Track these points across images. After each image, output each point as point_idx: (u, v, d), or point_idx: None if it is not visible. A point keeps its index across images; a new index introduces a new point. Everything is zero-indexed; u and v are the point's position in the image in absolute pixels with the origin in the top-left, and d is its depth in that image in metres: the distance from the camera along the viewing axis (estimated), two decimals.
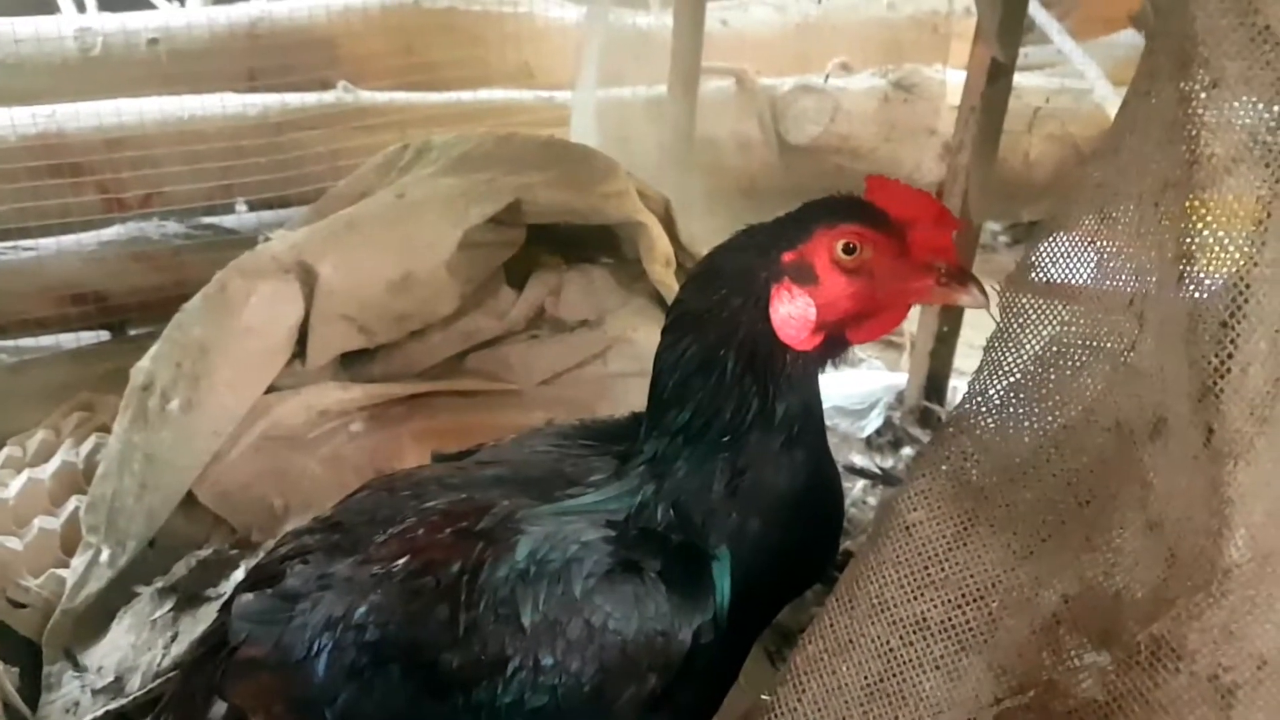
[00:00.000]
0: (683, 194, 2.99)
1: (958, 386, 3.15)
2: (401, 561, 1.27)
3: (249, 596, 1.37)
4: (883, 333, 1.34)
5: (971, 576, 1.13)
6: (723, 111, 3.94)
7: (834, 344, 1.31)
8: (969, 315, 2.93)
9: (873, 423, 3.14)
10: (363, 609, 1.26)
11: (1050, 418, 1.15)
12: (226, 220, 3.32)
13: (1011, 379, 1.19)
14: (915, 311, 2.84)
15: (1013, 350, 1.20)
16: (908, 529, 1.16)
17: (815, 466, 1.34)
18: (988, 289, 1.24)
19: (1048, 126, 4.36)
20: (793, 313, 1.27)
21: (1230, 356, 0.92)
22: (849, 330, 1.30)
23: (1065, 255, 1.15)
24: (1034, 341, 1.18)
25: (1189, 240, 0.93)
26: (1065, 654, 1.07)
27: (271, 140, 3.32)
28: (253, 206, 3.37)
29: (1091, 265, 1.12)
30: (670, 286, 2.37)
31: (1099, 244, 1.09)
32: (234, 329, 2.15)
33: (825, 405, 1.36)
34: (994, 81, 2.72)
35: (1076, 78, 4.91)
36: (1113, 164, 1.07)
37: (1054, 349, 1.16)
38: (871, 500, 2.86)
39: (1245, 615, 0.92)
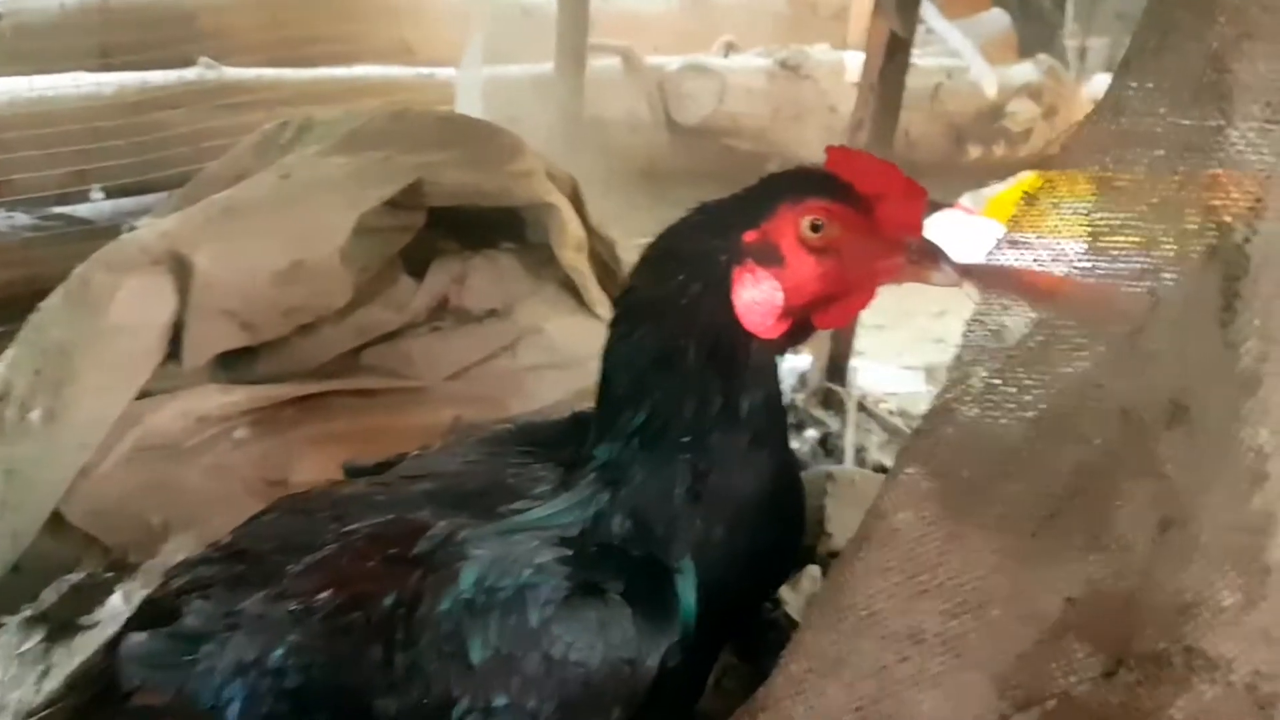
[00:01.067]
0: (574, 175, 2.89)
1: (857, 367, 3.15)
2: (324, 595, 1.11)
3: (140, 636, 1.19)
4: (850, 316, 1.24)
5: (966, 581, 1.04)
6: (611, 91, 3.88)
7: (798, 330, 1.20)
8: None
9: None
10: (280, 651, 1.10)
11: (1041, 407, 1.06)
12: (81, 209, 3.09)
13: (995, 365, 1.10)
14: None
15: (995, 334, 1.11)
16: (894, 533, 1.07)
17: (778, 464, 1.23)
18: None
19: (935, 105, 4.42)
20: (758, 298, 1.15)
21: (1266, 340, 0.84)
22: (816, 314, 1.19)
23: (1056, 227, 1.06)
24: (1018, 323, 1.09)
25: (1218, 212, 0.85)
26: (1076, 664, 0.98)
27: (128, 121, 3.14)
28: (109, 194, 3.13)
29: (1086, 243, 1.04)
30: (583, 272, 2.24)
31: (1099, 215, 1.00)
32: (99, 329, 1.93)
33: None
34: (892, 56, 2.70)
35: (951, 56, 4.99)
36: (1112, 129, 0.99)
37: (1043, 332, 1.07)
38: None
39: None
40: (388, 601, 1.09)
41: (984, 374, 1.10)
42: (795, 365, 3.20)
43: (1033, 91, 4.90)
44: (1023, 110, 4.76)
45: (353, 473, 1.38)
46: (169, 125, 3.15)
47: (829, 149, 1.18)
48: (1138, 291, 0.97)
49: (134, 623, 1.25)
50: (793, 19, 4.40)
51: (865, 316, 3.15)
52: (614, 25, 3.97)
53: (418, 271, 2.23)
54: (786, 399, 3.11)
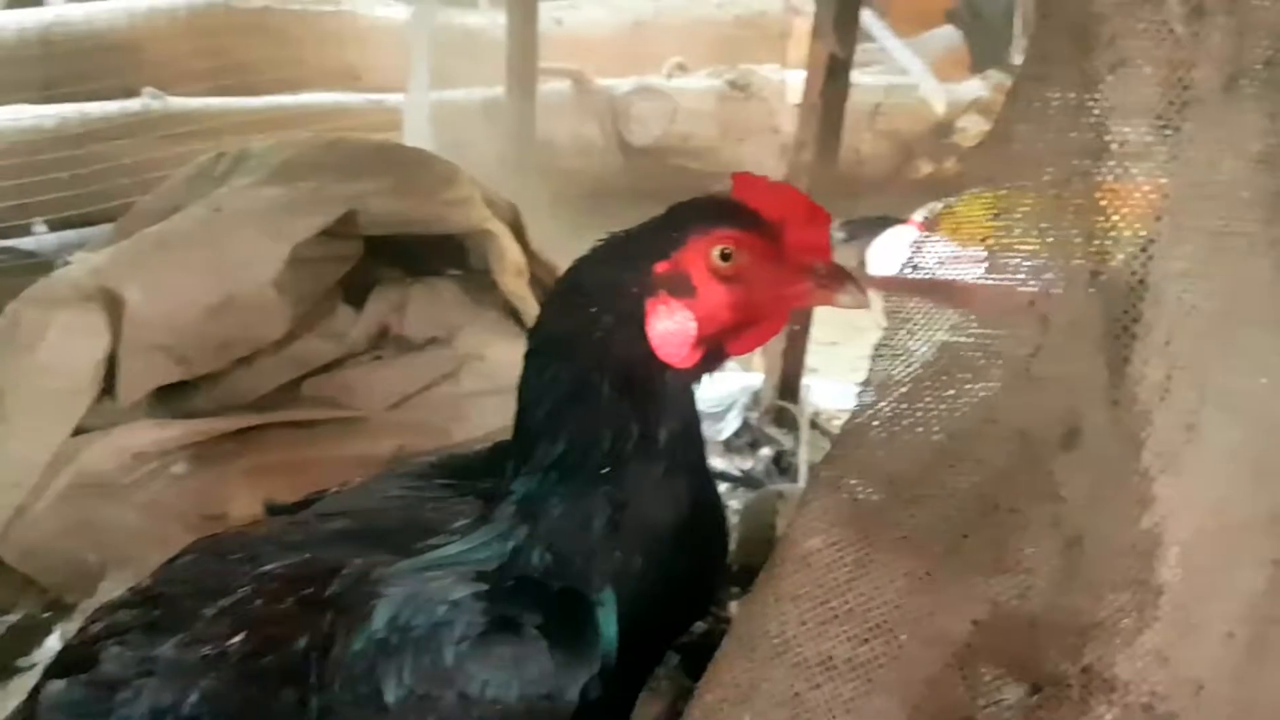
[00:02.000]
0: (524, 199, 2.89)
1: (810, 384, 3.16)
2: (237, 639, 1.10)
3: (59, 684, 1.18)
4: (762, 341, 1.24)
5: (876, 606, 1.04)
6: (561, 114, 3.88)
7: (712, 357, 1.20)
8: (818, 312, 2.93)
9: (730, 425, 3.12)
10: (194, 698, 1.09)
11: (945, 430, 1.07)
12: (24, 243, 3.06)
13: (902, 389, 1.10)
14: None
15: (901, 358, 1.11)
16: (805, 559, 1.07)
17: (698, 490, 1.24)
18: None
19: (877, 123, 4.45)
20: (671, 329, 1.15)
21: (1147, 362, 0.85)
22: (728, 341, 1.20)
23: (953, 254, 1.07)
24: (923, 348, 1.10)
25: (1102, 235, 0.86)
26: (983, 687, 0.99)
27: (71, 153, 3.11)
28: (53, 227, 3.10)
29: (983, 264, 1.05)
30: (523, 297, 2.24)
31: (991, 241, 1.02)
32: (29, 368, 1.92)
33: None
34: (833, 77, 2.73)
35: (900, 74, 5.04)
36: (1002, 155, 1.00)
37: (946, 356, 1.08)
38: (734, 504, 2.82)
39: (1179, 639, 0.86)
40: (300, 644, 1.08)
41: (891, 399, 1.11)
42: (748, 384, 3.22)
43: (982, 107, 4.95)
44: (972, 125, 4.80)
45: (273, 511, 1.37)
46: (113, 156, 3.13)
47: (735, 175, 1.19)
48: (1029, 313, 0.98)
49: (53, 670, 1.24)
50: (738, 39, 4.42)
51: (817, 333, 3.20)
52: (563, 48, 3.97)
53: (357, 300, 2.22)
54: (740, 419, 3.13)
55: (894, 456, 1.08)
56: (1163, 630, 0.86)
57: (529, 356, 1.20)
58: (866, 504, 1.08)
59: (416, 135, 3.33)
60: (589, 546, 1.16)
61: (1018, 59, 5.76)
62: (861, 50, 4.98)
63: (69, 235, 3.07)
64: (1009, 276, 1.02)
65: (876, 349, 1.12)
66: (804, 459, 2.90)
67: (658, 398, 1.16)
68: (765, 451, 3.01)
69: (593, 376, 1.15)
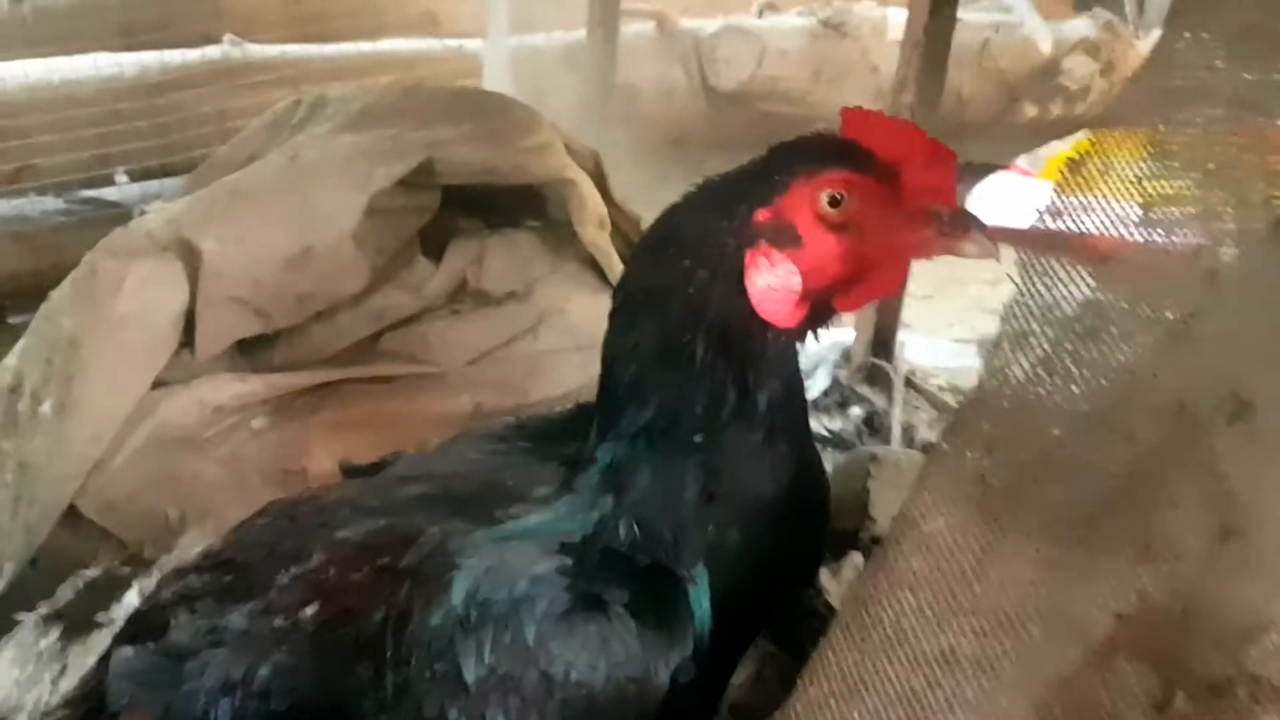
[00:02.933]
0: (605, 147, 2.79)
1: (905, 340, 3.02)
2: (311, 610, 1.04)
3: (129, 651, 1.13)
4: (876, 297, 1.13)
5: (1004, 597, 0.93)
6: (644, 57, 3.77)
7: (819, 314, 1.10)
8: (914, 263, 2.80)
9: (819, 383, 2.99)
10: (266, 670, 1.03)
11: (1086, 400, 0.95)
12: (108, 193, 3.05)
13: (1038, 353, 0.99)
14: None
15: (1037, 318, 0.99)
16: (925, 542, 0.96)
17: (799, 458, 1.14)
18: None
19: (981, 64, 4.24)
20: (773, 283, 1.05)
21: None
22: (837, 297, 1.09)
23: (1102, 200, 0.95)
24: (1064, 307, 0.98)
25: None
26: (1127, 689, 0.88)
27: (151, 103, 3.06)
28: (134, 177, 3.08)
29: (1135, 213, 0.92)
30: (605, 250, 2.14)
31: (1150, 181, 0.89)
32: (107, 319, 1.87)
33: None
34: (938, 10, 2.58)
35: (1002, 12, 4.79)
36: (1163, 85, 0.87)
37: (1090, 316, 0.95)
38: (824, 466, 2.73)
39: None
40: (376, 616, 1.02)
41: (1025, 363, 0.99)
42: (838, 340, 3.09)
43: (1089, 47, 4.69)
44: (1079, 66, 4.55)
45: (350, 472, 1.30)
46: (192, 105, 3.10)
47: (844, 111, 1.08)
48: (1193, 268, 0.85)
49: (124, 636, 1.19)
50: None
51: (913, 285, 3.05)
52: None
53: (435, 253, 2.14)
54: (829, 377, 3.01)
55: (1026, 428, 0.97)
56: None
57: (615, 314, 1.12)
58: (995, 481, 0.97)
59: (496, 81, 3.25)
60: (680, 519, 1.07)
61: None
62: None
63: (151, 185, 3.05)
64: (1167, 226, 0.90)
65: (1008, 307, 1.01)
66: (897, 420, 2.78)
67: (757, 359, 1.07)
68: (856, 411, 2.90)
69: (685, 336, 1.06)
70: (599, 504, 1.08)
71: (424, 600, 1.01)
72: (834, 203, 1.05)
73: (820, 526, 1.23)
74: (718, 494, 1.08)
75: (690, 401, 1.07)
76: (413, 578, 1.02)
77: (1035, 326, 0.98)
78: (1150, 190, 0.91)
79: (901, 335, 2.94)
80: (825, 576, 2.22)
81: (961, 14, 4.33)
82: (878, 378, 2.94)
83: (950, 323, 3.20)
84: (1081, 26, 4.81)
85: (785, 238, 1.05)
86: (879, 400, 2.90)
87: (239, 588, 1.11)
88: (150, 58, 3.15)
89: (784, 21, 3.87)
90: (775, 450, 1.10)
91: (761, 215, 1.05)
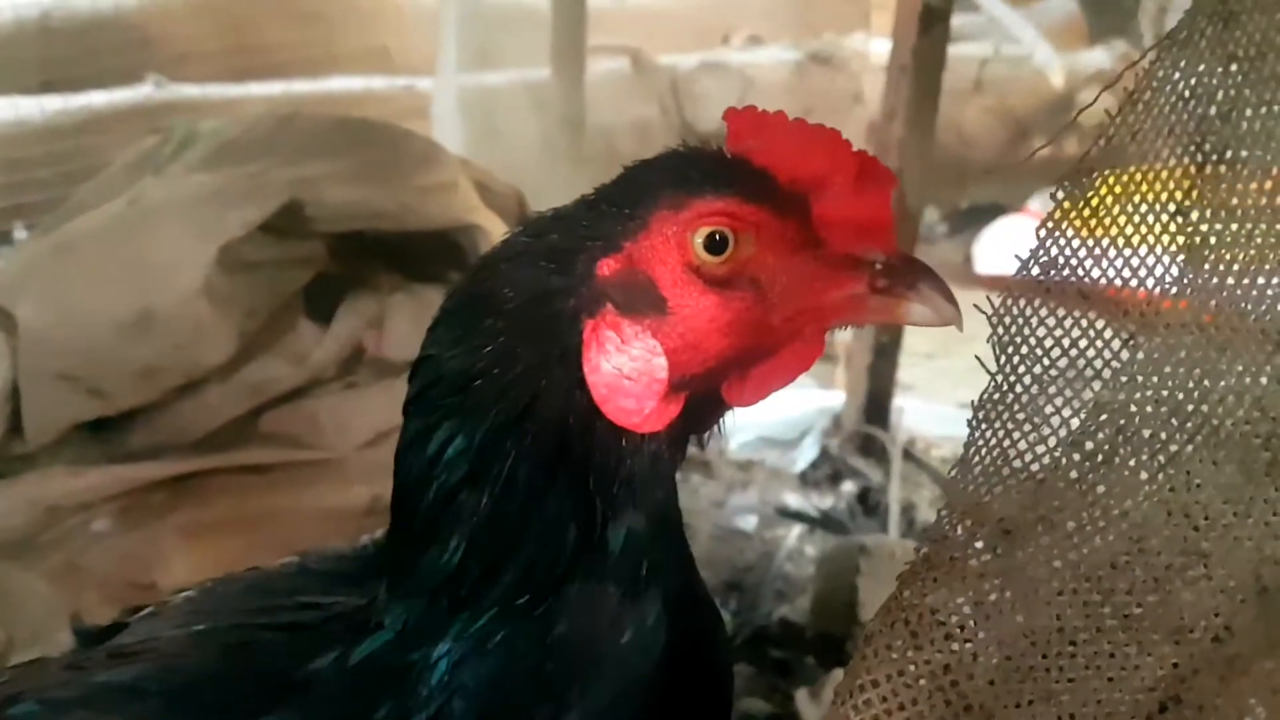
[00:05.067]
0: (576, 189, 2.50)
1: (903, 406, 2.73)
2: None
3: None
4: (785, 382, 0.77)
5: None
6: (616, 96, 3.57)
7: (700, 413, 0.77)
8: None
9: (806, 454, 2.75)
10: None
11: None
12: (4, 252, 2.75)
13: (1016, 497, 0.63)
14: None
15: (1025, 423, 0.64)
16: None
17: (684, 620, 0.78)
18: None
19: (985, 98, 3.97)
20: (625, 368, 0.71)
21: None
22: (727, 386, 0.75)
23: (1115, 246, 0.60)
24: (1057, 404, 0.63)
25: None
26: None
27: (64, 147, 2.83)
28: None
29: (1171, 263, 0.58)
30: None
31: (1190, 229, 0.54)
32: None
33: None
34: (927, 30, 2.32)
35: (1011, 43, 4.55)
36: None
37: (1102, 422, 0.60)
38: (809, 550, 2.44)
39: None
40: None
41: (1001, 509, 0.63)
42: (827, 405, 2.78)
43: (1106, 79, 4.38)
44: (1095, 101, 4.25)
45: (81, 637, 0.95)
46: (111, 151, 2.81)
47: (728, 113, 0.73)
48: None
49: None
50: (815, 5, 3.98)
51: (910, 342, 2.75)
52: (618, 23, 3.60)
53: (325, 316, 1.82)
54: (818, 447, 2.68)
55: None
56: None
57: (409, 410, 0.78)
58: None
59: (444, 121, 2.99)
60: (500, 708, 0.74)
61: (1146, 29, 5.20)
62: (968, 21, 4.50)
63: None
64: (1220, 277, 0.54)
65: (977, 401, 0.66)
66: (895, 498, 2.48)
67: (608, 480, 0.72)
68: (848, 487, 2.65)
69: (504, 447, 0.71)
70: (377, 699, 0.73)
71: None
72: (714, 247, 0.71)
73: (722, 700, 0.86)
74: (554, 674, 0.74)
75: (514, 543, 0.72)
76: None
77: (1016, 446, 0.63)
78: (1193, 235, 0.56)
79: (899, 399, 2.72)
80: (803, 698, 1.91)
81: (964, 47, 4.06)
82: (873, 448, 2.71)
83: (954, 384, 2.88)
84: (1097, 58, 4.53)
85: (641, 300, 0.71)
86: (874, 474, 2.59)
87: None
88: (70, 100, 2.92)
89: (768, 55, 3.62)
90: (641, 610, 0.75)
91: (605, 267, 0.71)
